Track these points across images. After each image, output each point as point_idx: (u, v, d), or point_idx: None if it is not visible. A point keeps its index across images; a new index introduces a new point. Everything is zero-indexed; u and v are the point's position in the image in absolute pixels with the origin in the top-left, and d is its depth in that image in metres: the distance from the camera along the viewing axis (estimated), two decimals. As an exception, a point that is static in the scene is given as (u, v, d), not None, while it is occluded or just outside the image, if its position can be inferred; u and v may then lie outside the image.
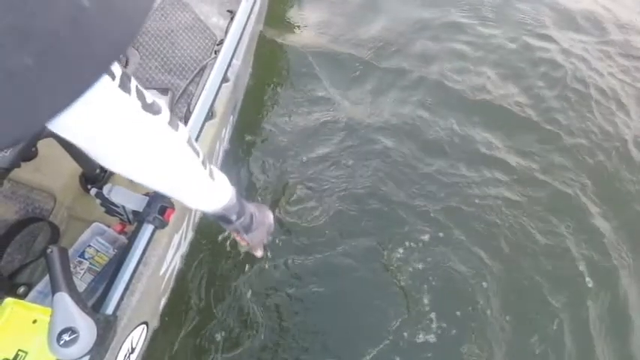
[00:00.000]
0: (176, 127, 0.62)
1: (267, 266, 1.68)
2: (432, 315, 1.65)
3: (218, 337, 1.52)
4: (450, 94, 2.46)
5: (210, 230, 1.70)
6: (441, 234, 1.88)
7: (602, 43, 2.93)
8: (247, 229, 0.96)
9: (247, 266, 1.67)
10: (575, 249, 1.92)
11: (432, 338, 1.61)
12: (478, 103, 2.44)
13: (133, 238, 0.98)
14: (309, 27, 2.75)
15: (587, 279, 1.84)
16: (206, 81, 1.32)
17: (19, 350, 0.77)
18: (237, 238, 1.02)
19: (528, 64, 2.72)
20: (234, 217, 0.91)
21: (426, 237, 1.85)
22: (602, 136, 2.38)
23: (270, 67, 2.47)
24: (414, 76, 2.53)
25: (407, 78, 2.52)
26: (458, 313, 1.67)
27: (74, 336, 0.70)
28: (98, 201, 1.06)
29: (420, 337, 1.60)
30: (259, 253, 1.10)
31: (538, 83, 2.61)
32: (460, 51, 2.72)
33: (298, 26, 2.75)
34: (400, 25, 2.82)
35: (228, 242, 1.69)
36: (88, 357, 0.74)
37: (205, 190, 0.77)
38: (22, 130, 0.19)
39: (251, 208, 0.96)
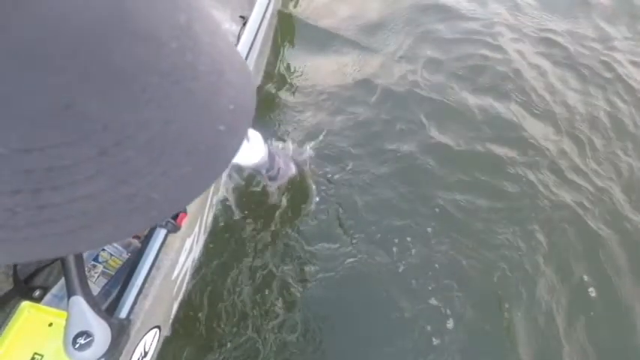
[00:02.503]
0: None
1: (281, 270, 1.69)
2: (449, 316, 1.64)
3: (230, 343, 1.52)
4: (457, 78, 2.48)
5: (222, 234, 1.71)
6: (456, 223, 1.86)
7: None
8: (273, 179, 1.16)
9: (260, 270, 1.67)
10: (596, 244, 1.89)
11: (445, 340, 1.59)
12: (486, 87, 2.46)
13: (145, 242, 0.99)
14: (315, 12, 2.80)
15: (607, 279, 1.80)
16: (218, 86, 1.33)
17: (35, 353, 0.78)
18: (260, 178, 1.19)
19: (539, 49, 2.73)
20: (263, 171, 1.10)
21: (430, 230, 1.84)
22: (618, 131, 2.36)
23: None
24: (421, 59, 2.56)
25: (413, 61, 2.55)
26: (471, 311, 1.66)
27: (89, 339, 0.71)
28: (112, 205, 1.07)
29: (437, 340, 1.59)
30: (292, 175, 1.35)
31: (550, 68, 2.62)
32: (461, 35, 2.75)
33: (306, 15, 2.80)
34: (409, 9, 2.89)
35: (241, 247, 1.70)
36: (102, 360, 0.75)
37: (241, 150, 0.87)
38: (192, 197, 0.21)
39: (280, 162, 1.15)
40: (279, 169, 1.13)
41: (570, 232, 1.93)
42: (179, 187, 0.18)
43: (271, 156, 1.07)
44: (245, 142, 0.86)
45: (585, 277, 1.80)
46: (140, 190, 0.17)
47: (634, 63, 2.73)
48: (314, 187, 1.90)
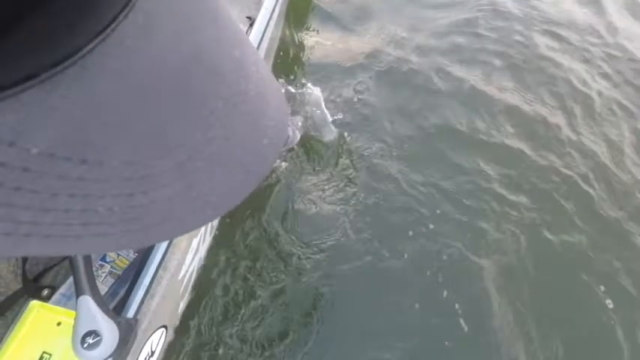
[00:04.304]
0: None
1: (287, 269, 1.69)
2: (459, 312, 1.64)
3: (237, 343, 1.53)
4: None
5: (228, 234, 1.71)
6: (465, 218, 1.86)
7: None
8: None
9: (267, 268, 1.68)
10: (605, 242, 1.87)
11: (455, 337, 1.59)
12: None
13: (153, 242, 0.99)
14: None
15: (623, 277, 1.78)
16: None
17: (44, 352, 0.79)
18: None
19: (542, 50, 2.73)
20: None
21: (432, 226, 1.83)
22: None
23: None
24: (420, 46, 2.58)
25: (410, 49, 2.57)
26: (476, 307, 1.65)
27: (97, 339, 0.71)
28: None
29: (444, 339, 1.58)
30: None
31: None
32: (458, 25, 2.77)
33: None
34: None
35: (246, 246, 1.71)
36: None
37: None
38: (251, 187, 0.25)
39: (288, 131, 1.25)
40: (287, 137, 1.24)
41: (582, 228, 1.91)
42: (232, 191, 0.23)
43: None
44: None
45: (600, 287, 1.78)
46: (202, 194, 0.21)
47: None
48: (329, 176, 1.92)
